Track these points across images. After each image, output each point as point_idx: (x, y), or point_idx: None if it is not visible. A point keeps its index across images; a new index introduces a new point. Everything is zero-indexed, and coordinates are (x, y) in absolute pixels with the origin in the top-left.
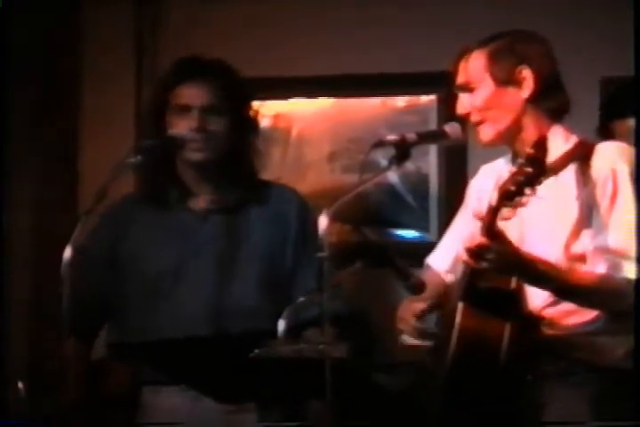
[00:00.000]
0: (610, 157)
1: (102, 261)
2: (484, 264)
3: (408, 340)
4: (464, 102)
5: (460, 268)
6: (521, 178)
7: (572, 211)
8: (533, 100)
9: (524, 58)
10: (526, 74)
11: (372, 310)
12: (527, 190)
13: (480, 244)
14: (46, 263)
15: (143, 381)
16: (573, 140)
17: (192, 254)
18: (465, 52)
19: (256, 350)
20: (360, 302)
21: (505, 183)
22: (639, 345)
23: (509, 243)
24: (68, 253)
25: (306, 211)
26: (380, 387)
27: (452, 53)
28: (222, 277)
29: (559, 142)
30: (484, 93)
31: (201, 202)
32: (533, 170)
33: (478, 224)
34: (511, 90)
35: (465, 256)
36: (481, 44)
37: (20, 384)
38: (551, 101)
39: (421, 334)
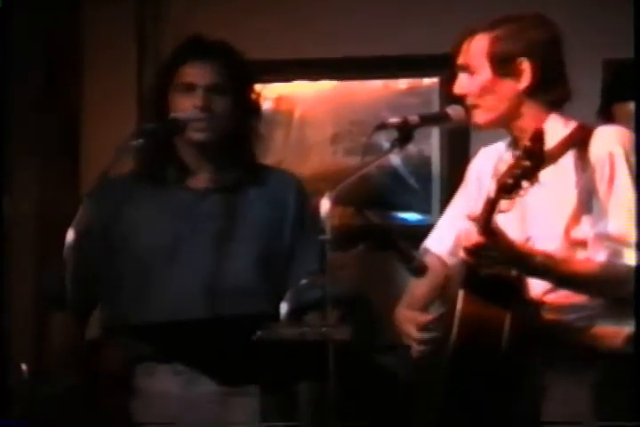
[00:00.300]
0: (608, 140)
1: (96, 240)
2: (484, 262)
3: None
4: (462, 83)
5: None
6: (518, 171)
7: (572, 196)
8: (530, 92)
9: (526, 48)
10: (525, 66)
11: (375, 293)
12: (525, 183)
13: (477, 242)
14: (49, 247)
15: (138, 359)
16: (572, 125)
17: (189, 232)
18: (470, 33)
19: (258, 333)
20: (363, 284)
21: (502, 176)
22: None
23: (506, 239)
24: (70, 235)
25: (304, 195)
26: (383, 369)
27: (454, 36)
28: (218, 256)
29: (558, 128)
30: (480, 79)
31: (200, 181)
32: (531, 163)
33: (474, 223)
34: (508, 80)
35: (463, 255)
36: (487, 27)
37: (24, 366)
38: (549, 94)
39: (426, 342)
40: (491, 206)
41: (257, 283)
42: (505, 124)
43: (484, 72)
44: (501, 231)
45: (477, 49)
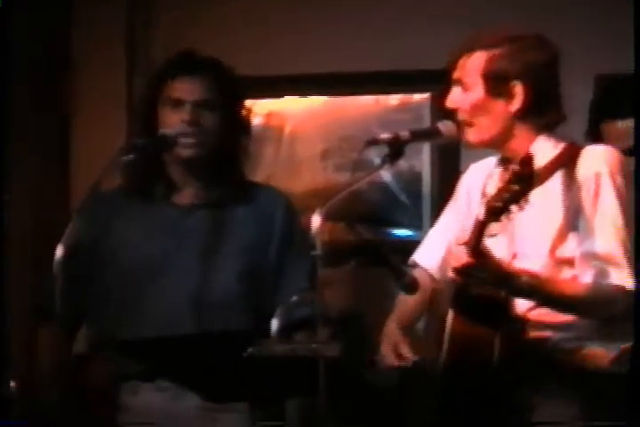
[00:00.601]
0: (595, 160)
1: (85, 255)
2: (472, 282)
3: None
4: (455, 97)
5: (450, 265)
6: (507, 195)
7: (559, 215)
8: (522, 115)
9: (522, 69)
10: (518, 89)
11: (366, 309)
12: (513, 207)
13: (466, 263)
14: (41, 260)
15: (123, 377)
16: (561, 145)
17: (175, 248)
18: (468, 49)
19: (250, 349)
20: (354, 300)
21: (491, 200)
22: (637, 350)
23: (494, 260)
24: (59, 251)
25: (292, 212)
26: (373, 386)
27: (446, 51)
28: (203, 271)
29: (547, 149)
30: (473, 97)
31: (186, 197)
32: (519, 187)
33: (462, 246)
34: (500, 101)
35: (453, 275)
36: (486, 45)
37: (13, 383)
38: (542, 117)
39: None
40: (480, 229)
41: (240, 298)
42: (496, 144)
43: (477, 90)
44: (490, 253)
45: (474, 66)
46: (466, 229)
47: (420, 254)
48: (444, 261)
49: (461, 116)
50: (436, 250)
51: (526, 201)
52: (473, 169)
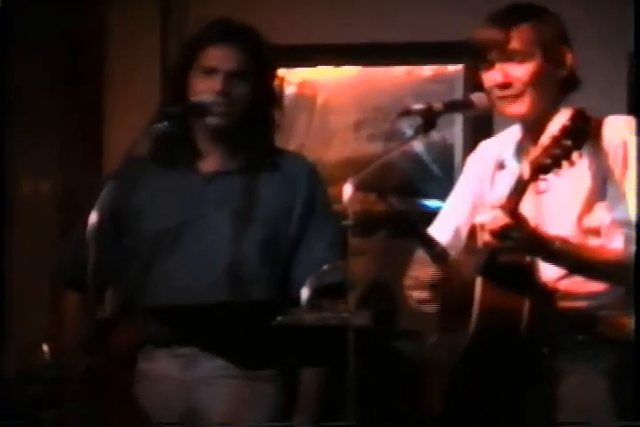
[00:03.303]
0: (620, 129)
1: (116, 220)
2: (508, 244)
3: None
4: (510, 71)
5: (461, 240)
6: (557, 151)
7: (585, 184)
8: (566, 82)
9: (566, 36)
10: (568, 54)
11: (396, 279)
12: (564, 163)
13: (505, 224)
14: (69, 227)
15: (146, 342)
16: None
17: (194, 215)
18: (510, 22)
19: (279, 317)
20: (384, 270)
21: (538, 157)
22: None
23: (529, 223)
24: (93, 217)
25: (317, 180)
26: (403, 355)
27: (479, 22)
28: (224, 239)
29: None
30: (532, 67)
31: (210, 164)
32: (573, 141)
33: (497, 207)
34: (553, 67)
35: (488, 237)
36: (527, 16)
37: (45, 347)
38: (574, 83)
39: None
40: (522, 189)
41: (261, 267)
42: (539, 113)
43: (536, 59)
44: (524, 215)
45: (525, 37)
46: (479, 205)
47: (434, 229)
48: (456, 238)
49: (513, 89)
50: (448, 226)
51: (580, 155)
52: (483, 146)
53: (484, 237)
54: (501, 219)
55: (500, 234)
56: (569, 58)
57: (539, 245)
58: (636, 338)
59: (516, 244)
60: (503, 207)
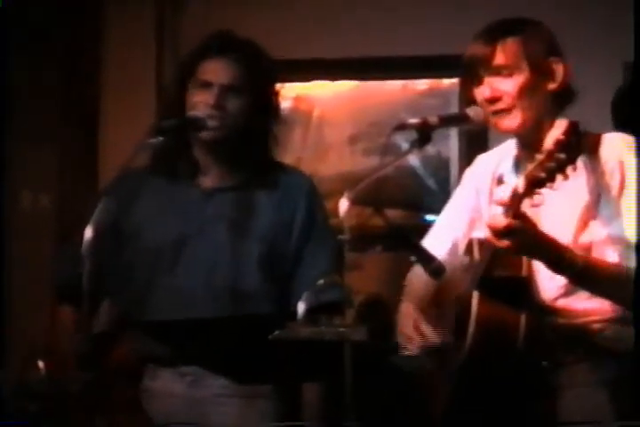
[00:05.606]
0: (617, 148)
1: (112, 234)
2: (510, 244)
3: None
4: (498, 86)
5: (457, 255)
6: (552, 164)
7: (581, 201)
8: (557, 94)
9: (556, 47)
10: (557, 65)
11: (392, 293)
12: (559, 176)
13: (508, 224)
14: (67, 241)
15: (146, 358)
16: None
17: (194, 231)
18: (495, 38)
19: (275, 332)
20: (380, 285)
21: (533, 171)
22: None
23: (534, 224)
24: (88, 232)
25: (316, 197)
26: (399, 370)
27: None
28: (222, 255)
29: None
30: (519, 80)
31: (210, 180)
32: (567, 155)
33: (500, 208)
34: (543, 81)
35: (490, 236)
36: (513, 31)
37: (41, 363)
38: (568, 95)
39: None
40: (519, 200)
41: (259, 283)
42: (532, 127)
43: (523, 73)
44: (529, 216)
45: (513, 51)
46: (477, 220)
47: (428, 242)
48: (452, 250)
49: (503, 103)
50: (444, 239)
51: (574, 169)
52: (480, 160)
53: (488, 236)
54: (502, 219)
55: (502, 233)
56: (559, 70)
57: (543, 248)
58: (636, 351)
59: (518, 245)
60: (508, 205)
